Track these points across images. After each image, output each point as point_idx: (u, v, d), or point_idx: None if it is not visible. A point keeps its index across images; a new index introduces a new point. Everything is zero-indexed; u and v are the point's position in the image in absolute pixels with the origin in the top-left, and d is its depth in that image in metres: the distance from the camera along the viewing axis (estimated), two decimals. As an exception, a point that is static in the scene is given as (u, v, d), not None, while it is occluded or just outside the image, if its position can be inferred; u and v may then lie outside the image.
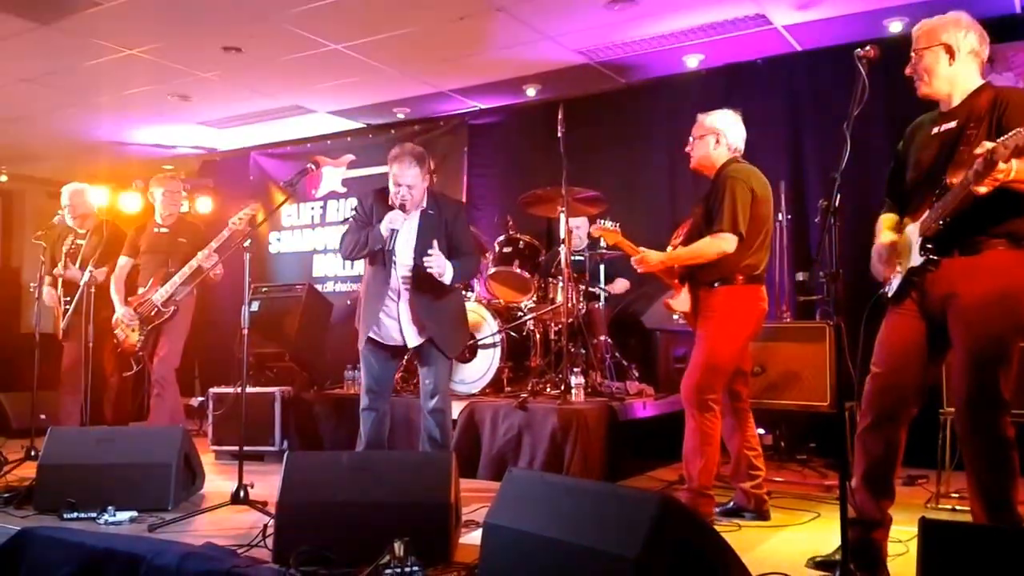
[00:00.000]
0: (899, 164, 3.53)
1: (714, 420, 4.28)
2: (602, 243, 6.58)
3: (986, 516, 3.15)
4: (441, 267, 4.60)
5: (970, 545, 2.63)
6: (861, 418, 3.41)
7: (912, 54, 3.38)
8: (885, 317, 3.44)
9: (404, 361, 6.26)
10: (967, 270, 3.16)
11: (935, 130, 3.37)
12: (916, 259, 3.28)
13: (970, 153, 3.01)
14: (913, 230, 3.32)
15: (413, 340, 4.80)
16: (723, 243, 4.20)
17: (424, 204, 4.84)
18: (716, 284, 4.32)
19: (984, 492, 3.17)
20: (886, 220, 3.52)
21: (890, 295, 3.41)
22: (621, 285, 6.93)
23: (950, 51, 3.30)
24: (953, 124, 3.28)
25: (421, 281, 4.74)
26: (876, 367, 3.40)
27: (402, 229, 4.67)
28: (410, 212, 4.70)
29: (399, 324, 4.79)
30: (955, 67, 3.31)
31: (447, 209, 4.92)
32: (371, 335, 4.82)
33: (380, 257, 4.75)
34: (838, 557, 3.33)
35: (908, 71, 3.40)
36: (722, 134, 4.44)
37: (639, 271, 4.63)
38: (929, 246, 3.23)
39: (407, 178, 4.62)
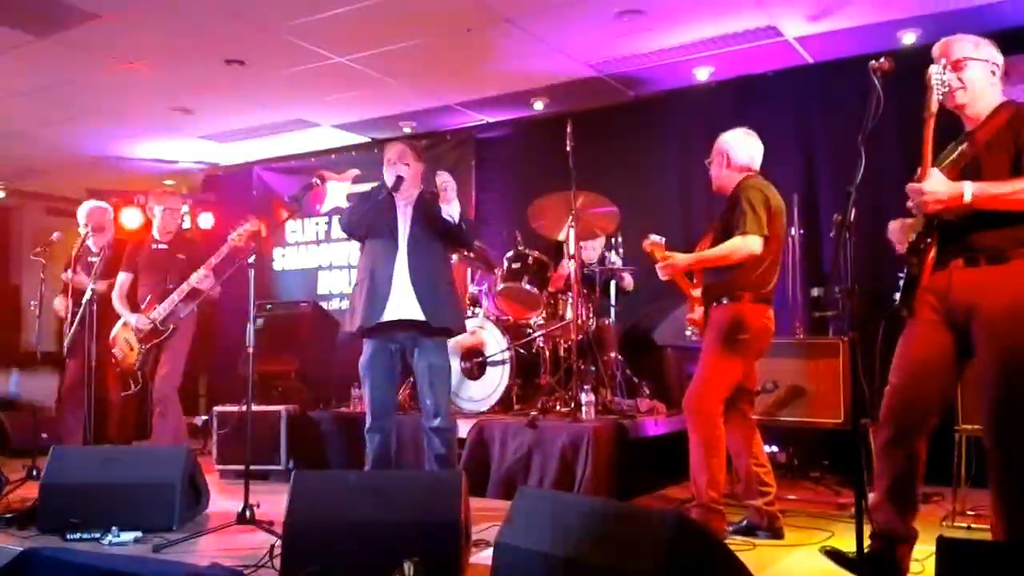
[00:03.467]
0: None
1: (716, 432, 4.27)
2: (611, 258, 6.58)
3: (1008, 532, 3.10)
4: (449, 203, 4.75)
5: (988, 563, 2.60)
6: (880, 432, 3.37)
7: (948, 62, 3.28)
8: (904, 330, 3.39)
9: (410, 379, 6.22)
10: (994, 279, 3.12)
11: (960, 148, 3.33)
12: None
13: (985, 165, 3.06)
14: None
15: (413, 312, 4.75)
16: (751, 243, 4.19)
17: (421, 188, 5.02)
18: (723, 301, 4.33)
19: (1009, 508, 3.11)
20: None
21: (896, 303, 3.35)
22: (629, 281, 6.87)
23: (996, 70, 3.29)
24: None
25: (421, 256, 4.83)
26: (896, 380, 3.35)
27: (401, 208, 4.86)
28: (407, 188, 4.83)
29: (400, 297, 4.76)
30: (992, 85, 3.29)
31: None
32: (370, 322, 4.76)
33: (384, 231, 4.85)
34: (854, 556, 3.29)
35: (948, 83, 3.26)
36: (727, 154, 4.45)
37: (664, 277, 4.59)
38: (916, 249, 3.21)
39: (404, 156, 4.87)
